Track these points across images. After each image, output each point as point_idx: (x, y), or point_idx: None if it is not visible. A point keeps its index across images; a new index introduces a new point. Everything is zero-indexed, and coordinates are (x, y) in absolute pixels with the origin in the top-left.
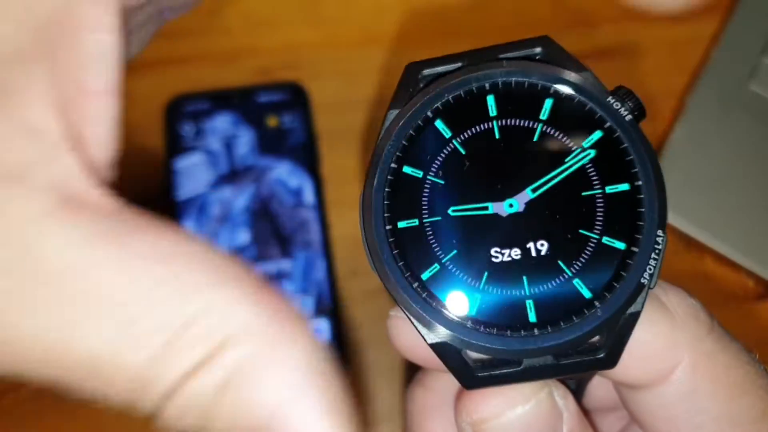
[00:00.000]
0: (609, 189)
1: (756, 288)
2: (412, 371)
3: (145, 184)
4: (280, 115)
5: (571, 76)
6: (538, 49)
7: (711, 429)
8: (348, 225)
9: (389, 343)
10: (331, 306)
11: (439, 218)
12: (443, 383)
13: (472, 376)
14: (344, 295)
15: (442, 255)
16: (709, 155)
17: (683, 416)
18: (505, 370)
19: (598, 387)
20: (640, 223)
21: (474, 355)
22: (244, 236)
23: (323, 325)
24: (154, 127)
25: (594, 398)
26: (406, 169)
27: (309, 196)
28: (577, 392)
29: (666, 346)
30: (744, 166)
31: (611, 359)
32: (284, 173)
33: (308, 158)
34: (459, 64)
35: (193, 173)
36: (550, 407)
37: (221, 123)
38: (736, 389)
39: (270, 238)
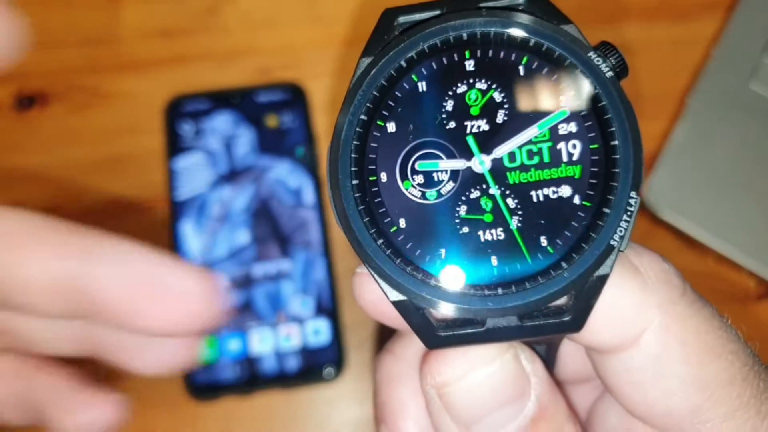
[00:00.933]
0: (582, 148)
1: (757, 288)
2: (383, 342)
3: (145, 184)
4: (279, 115)
5: (553, 28)
6: (521, 0)
7: (681, 393)
8: None
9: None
10: (331, 306)
11: (407, 173)
12: (413, 351)
13: (434, 335)
14: (344, 295)
15: (409, 211)
16: (710, 155)
17: (652, 380)
18: (468, 330)
19: (571, 357)
20: (614, 183)
21: (437, 314)
22: (244, 236)
23: (323, 325)
24: (154, 127)
25: (567, 369)
26: (377, 121)
27: (309, 196)
28: (548, 360)
29: (635, 308)
30: (745, 165)
31: (577, 322)
32: (284, 173)
33: (308, 158)
34: (437, 12)
35: (193, 173)
36: (517, 371)
37: (221, 123)
38: (707, 354)
39: (270, 238)
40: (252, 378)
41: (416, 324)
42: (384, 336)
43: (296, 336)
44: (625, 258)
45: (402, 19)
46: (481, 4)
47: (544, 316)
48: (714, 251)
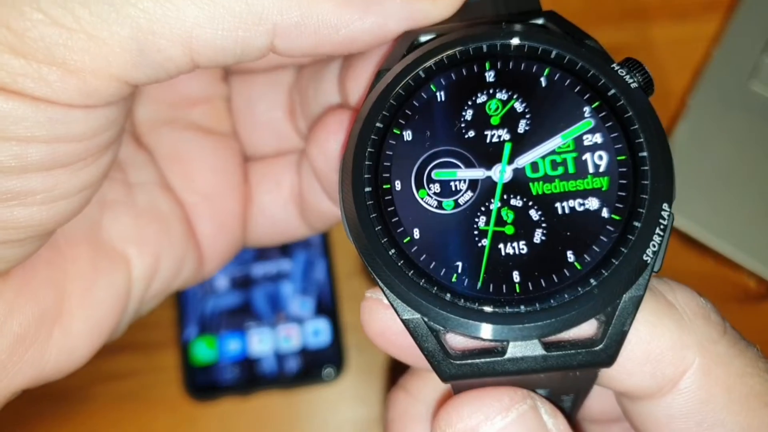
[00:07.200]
0: (609, 159)
1: (757, 288)
2: (396, 376)
3: None
4: None
5: (575, 43)
6: (541, 21)
7: None
8: None
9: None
10: (331, 306)
11: (423, 182)
12: (429, 389)
13: (447, 364)
14: (344, 295)
15: (423, 221)
16: (710, 155)
17: (694, 430)
18: (486, 359)
19: (598, 395)
20: (644, 196)
21: (454, 342)
22: None
23: (323, 325)
24: None
25: (593, 408)
26: (393, 130)
27: None
28: (571, 413)
29: (673, 346)
30: (745, 165)
31: (609, 351)
32: None
33: None
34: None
35: None
36: (536, 424)
37: None
38: (754, 400)
39: None
40: (251, 379)
41: (429, 350)
42: None
43: (296, 336)
44: (659, 293)
45: (423, 38)
46: (503, 25)
47: (572, 346)
48: (714, 251)
